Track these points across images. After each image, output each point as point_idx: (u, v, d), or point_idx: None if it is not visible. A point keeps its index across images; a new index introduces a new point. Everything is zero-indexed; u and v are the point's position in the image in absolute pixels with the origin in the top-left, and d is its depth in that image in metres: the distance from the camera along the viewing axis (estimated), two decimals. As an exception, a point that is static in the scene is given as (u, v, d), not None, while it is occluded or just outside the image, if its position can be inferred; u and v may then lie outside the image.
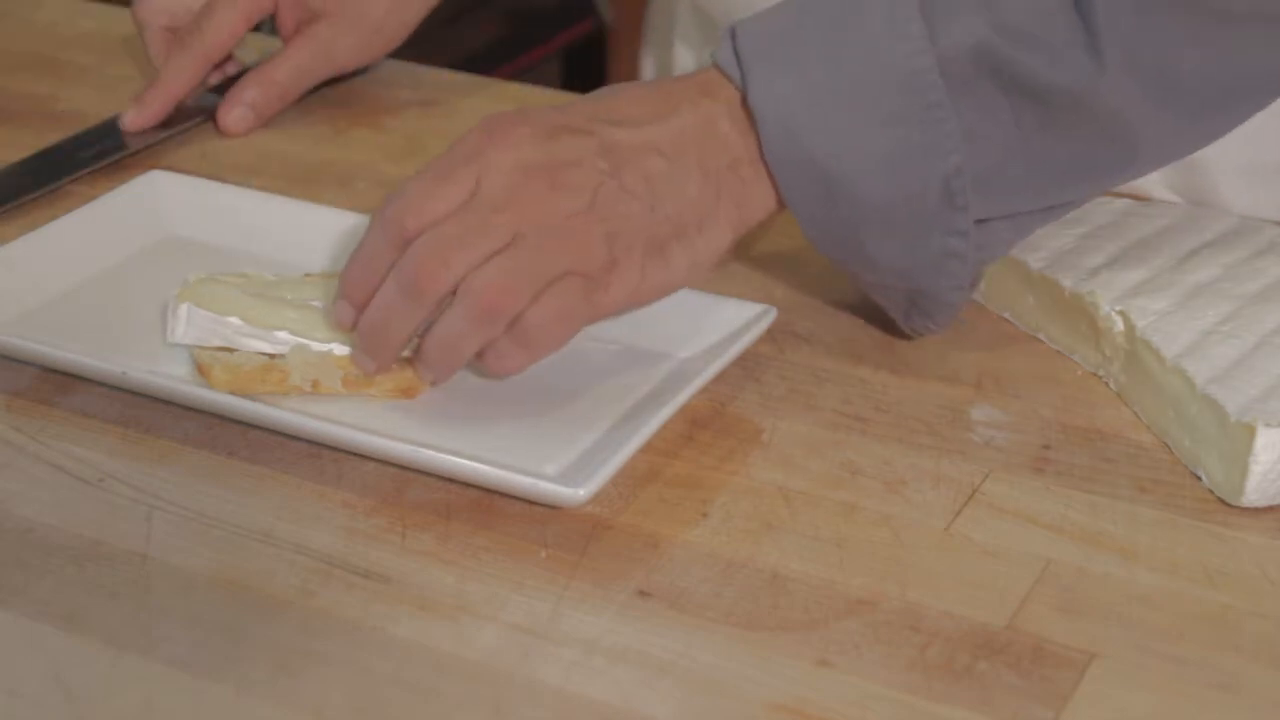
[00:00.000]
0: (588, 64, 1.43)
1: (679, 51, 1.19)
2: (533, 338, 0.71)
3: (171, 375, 0.75)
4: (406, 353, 0.74)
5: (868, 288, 0.78)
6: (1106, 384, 0.78)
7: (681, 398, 0.72)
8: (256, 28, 1.04)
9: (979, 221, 0.73)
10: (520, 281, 0.69)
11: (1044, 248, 0.82)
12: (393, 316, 0.71)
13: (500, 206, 0.70)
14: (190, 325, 0.75)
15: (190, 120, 1.01)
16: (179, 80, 1.00)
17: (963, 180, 0.71)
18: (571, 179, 0.70)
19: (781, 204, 0.74)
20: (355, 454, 0.72)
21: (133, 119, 0.99)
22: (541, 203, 0.70)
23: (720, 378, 0.76)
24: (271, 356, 0.74)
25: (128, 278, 0.84)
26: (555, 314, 0.70)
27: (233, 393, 0.73)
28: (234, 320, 0.74)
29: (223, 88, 1.02)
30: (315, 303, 0.76)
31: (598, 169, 0.71)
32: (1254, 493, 0.69)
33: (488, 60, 1.81)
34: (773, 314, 0.79)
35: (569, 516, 0.69)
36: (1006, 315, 0.83)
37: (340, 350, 0.74)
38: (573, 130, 0.72)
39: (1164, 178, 0.92)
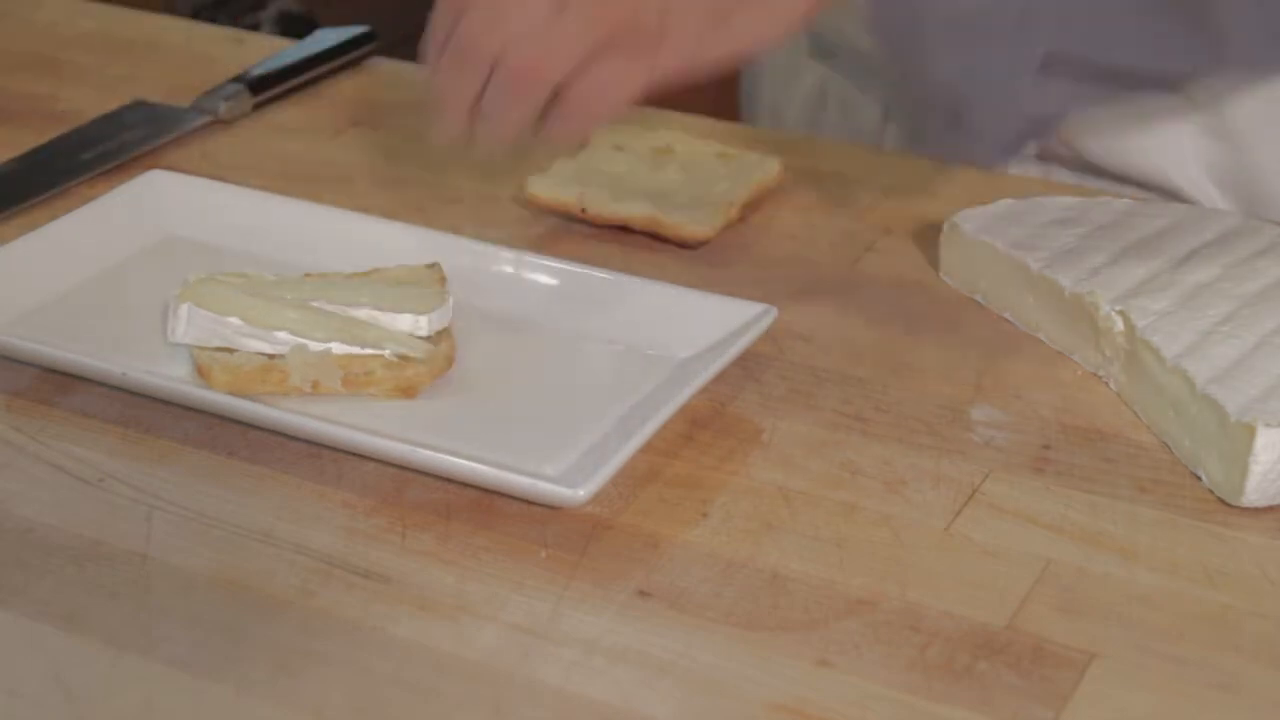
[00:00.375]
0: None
1: None
2: (578, 108, 0.71)
3: (171, 375, 0.75)
4: (408, 351, 0.74)
5: (898, 97, 0.75)
6: (1106, 384, 0.78)
7: (681, 398, 0.72)
8: (255, 27, 1.04)
9: (1043, 67, 0.71)
10: (557, 49, 0.69)
11: (1044, 248, 0.82)
12: (449, 84, 0.73)
13: None
14: (190, 325, 0.75)
15: (191, 121, 1.01)
16: None
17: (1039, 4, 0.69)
18: None
19: None
20: (355, 454, 0.72)
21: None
22: None
23: (720, 378, 0.76)
24: (271, 357, 0.74)
25: (128, 278, 0.84)
26: (600, 84, 0.70)
27: (232, 393, 0.73)
28: (234, 320, 0.74)
29: (218, 92, 1.02)
30: (315, 303, 0.76)
31: None
32: (1254, 493, 0.69)
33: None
34: (773, 314, 0.79)
35: (569, 516, 0.69)
36: (1006, 315, 0.83)
37: (340, 350, 0.74)
38: None
39: (1215, 178, 0.92)
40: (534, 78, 0.70)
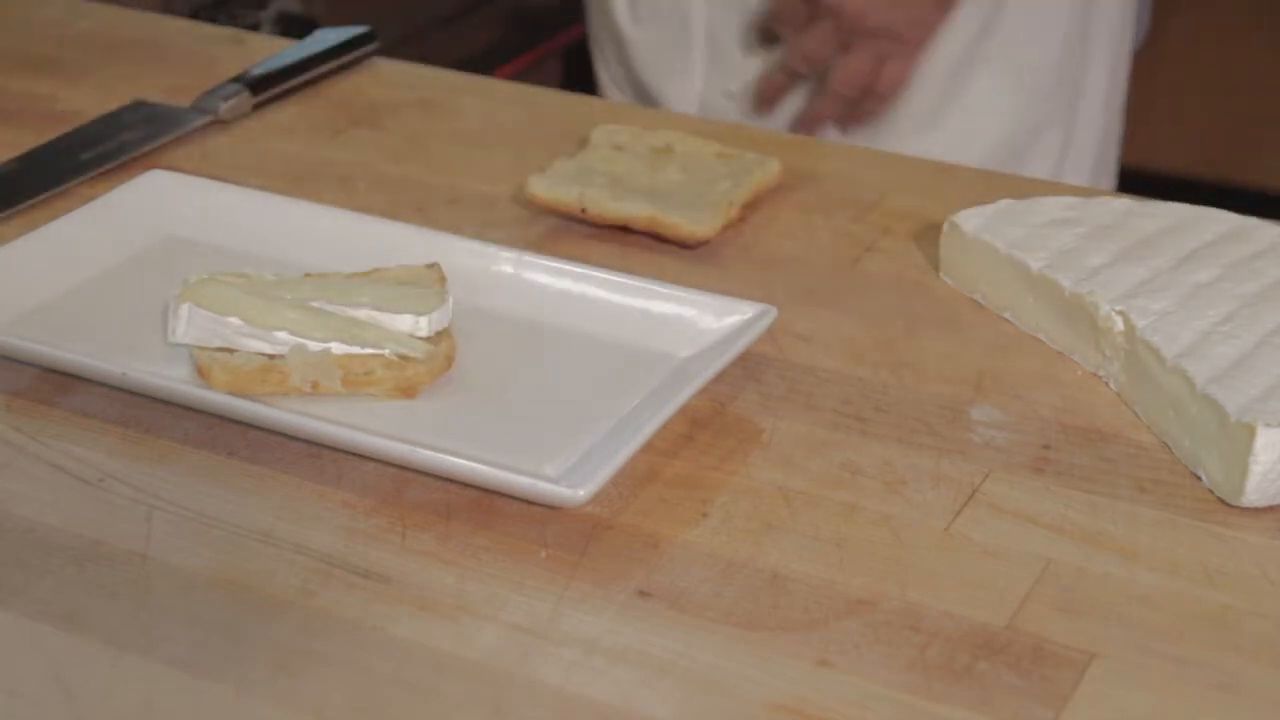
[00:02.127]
0: (587, 64, 1.44)
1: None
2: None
3: (171, 375, 0.75)
4: (408, 351, 0.74)
5: None
6: (1106, 384, 0.78)
7: (681, 398, 0.72)
8: (254, 27, 1.04)
9: None
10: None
11: (1044, 248, 0.82)
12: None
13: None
14: (190, 325, 0.75)
15: (191, 121, 1.01)
16: None
17: None
18: None
19: None
20: (355, 454, 0.72)
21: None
22: None
23: (720, 378, 0.76)
24: (271, 357, 0.74)
25: (128, 278, 0.84)
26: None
27: (232, 393, 0.73)
28: (234, 320, 0.74)
29: (218, 92, 1.02)
30: (315, 303, 0.76)
31: None
32: (1254, 493, 0.69)
33: (488, 60, 1.81)
34: (773, 314, 0.79)
35: (569, 516, 0.69)
36: (1006, 315, 0.83)
37: (340, 350, 0.74)
38: None
39: None
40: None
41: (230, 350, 0.74)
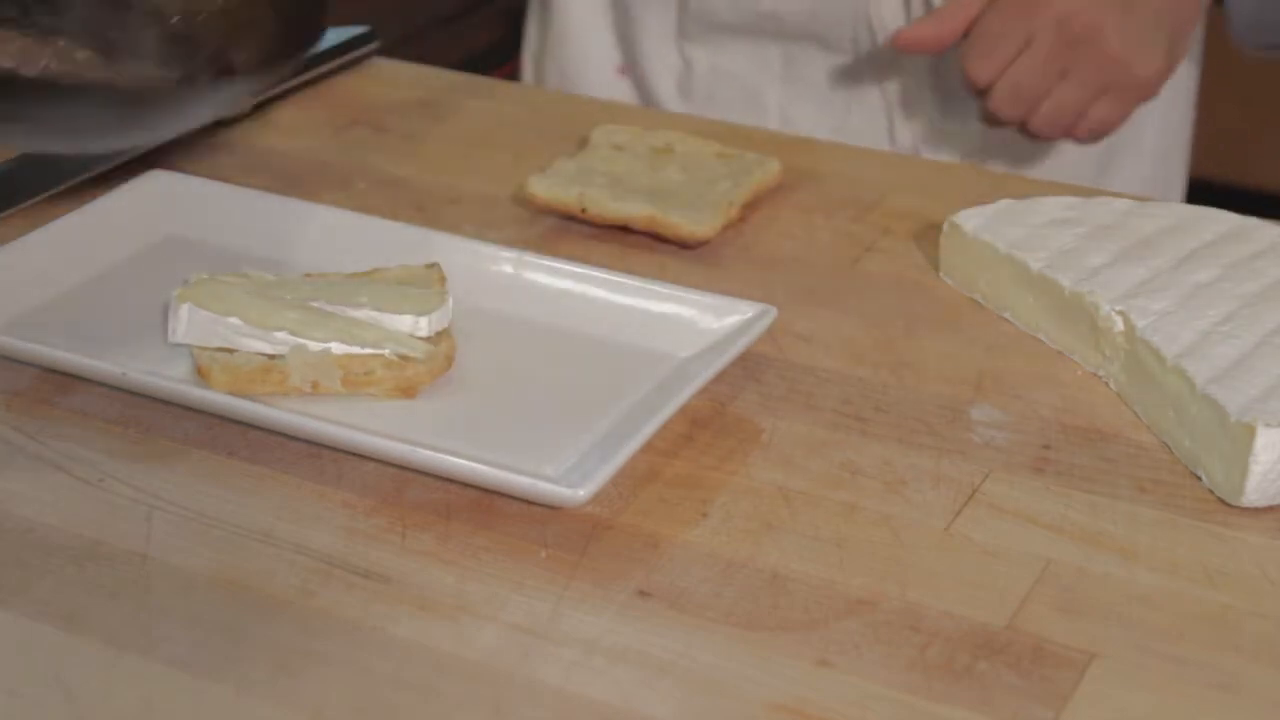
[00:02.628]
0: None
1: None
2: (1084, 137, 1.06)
3: (171, 375, 0.75)
4: (408, 351, 0.74)
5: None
6: (1106, 384, 0.78)
7: (681, 398, 0.72)
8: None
9: None
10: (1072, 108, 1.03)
11: (1044, 248, 0.82)
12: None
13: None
14: (190, 325, 0.75)
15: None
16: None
17: None
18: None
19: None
20: (355, 454, 0.72)
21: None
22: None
23: (720, 378, 0.76)
24: (271, 357, 0.74)
25: (128, 278, 0.84)
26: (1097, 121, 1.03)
27: (232, 393, 0.73)
28: (234, 320, 0.74)
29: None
30: (315, 303, 0.76)
31: None
32: (1254, 493, 0.69)
33: (488, 60, 1.81)
34: (773, 314, 0.79)
35: (569, 516, 0.69)
36: (1006, 315, 0.83)
37: (340, 350, 0.74)
38: None
39: None
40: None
41: (230, 350, 0.74)
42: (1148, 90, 1.06)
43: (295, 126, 1.03)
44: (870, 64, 1.15)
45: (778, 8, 1.15)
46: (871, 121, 1.17)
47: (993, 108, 1.05)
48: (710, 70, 1.18)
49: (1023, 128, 1.06)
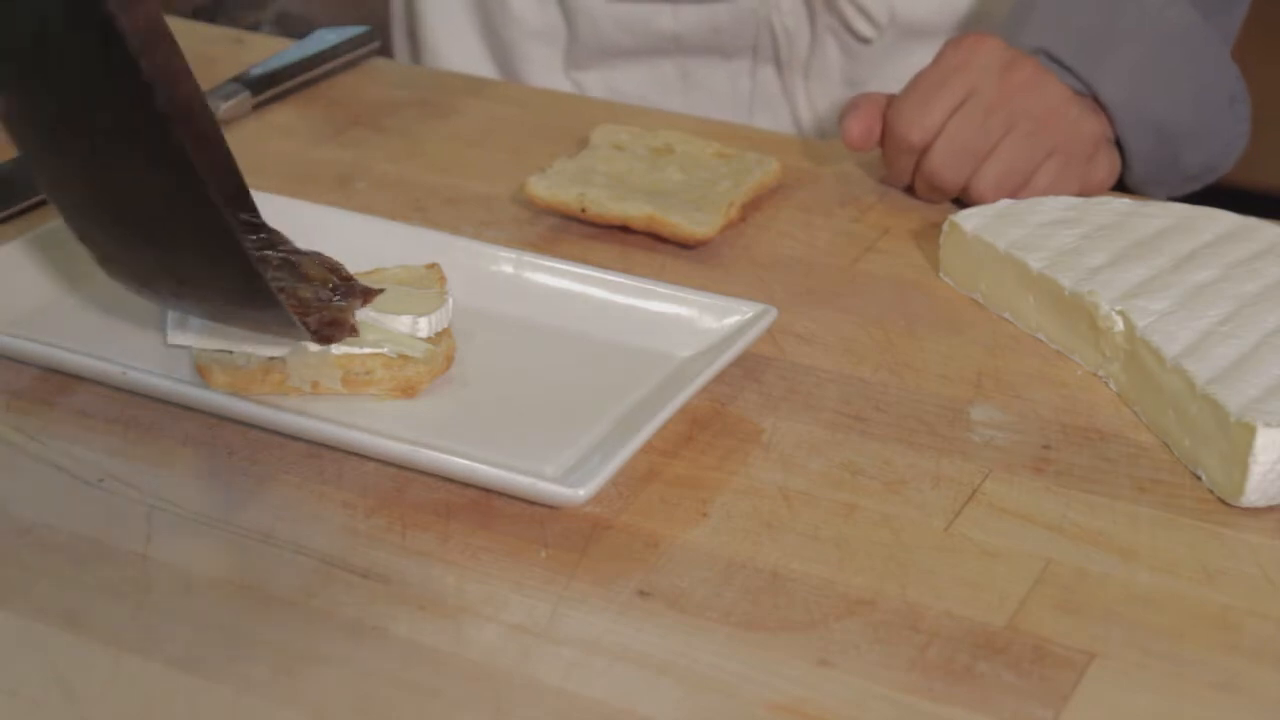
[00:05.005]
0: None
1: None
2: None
3: (171, 375, 0.75)
4: (408, 351, 0.74)
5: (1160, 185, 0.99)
6: (1106, 384, 0.78)
7: (681, 398, 0.72)
8: (254, 27, 1.04)
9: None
10: (1020, 169, 0.91)
11: (1044, 247, 0.82)
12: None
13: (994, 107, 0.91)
14: (190, 326, 0.75)
15: None
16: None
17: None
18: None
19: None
20: (355, 454, 0.72)
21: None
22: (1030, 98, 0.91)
23: (720, 378, 0.76)
24: (271, 357, 0.74)
25: (128, 278, 0.83)
26: (1041, 188, 0.91)
27: (232, 393, 0.73)
28: (234, 320, 0.74)
29: (217, 92, 1.02)
30: (315, 303, 0.76)
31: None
32: (1254, 493, 0.69)
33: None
34: (773, 314, 0.79)
35: (569, 516, 0.69)
36: (1006, 315, 0.83)
37: (340, 350, 0.74)
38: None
39: None
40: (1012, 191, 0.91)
41: (230, 350, 0.74)
42: (1097, 164, 0.94)
43: (295, 126, 1.03)
44: (771, 64, 1.16)
45: (678, 28, 1.15)
46: (776, 119, 1.18)
47: (930, 170, 0.91)
48: (606, 92, 1.18)
49: (963, 194, 0.92)
